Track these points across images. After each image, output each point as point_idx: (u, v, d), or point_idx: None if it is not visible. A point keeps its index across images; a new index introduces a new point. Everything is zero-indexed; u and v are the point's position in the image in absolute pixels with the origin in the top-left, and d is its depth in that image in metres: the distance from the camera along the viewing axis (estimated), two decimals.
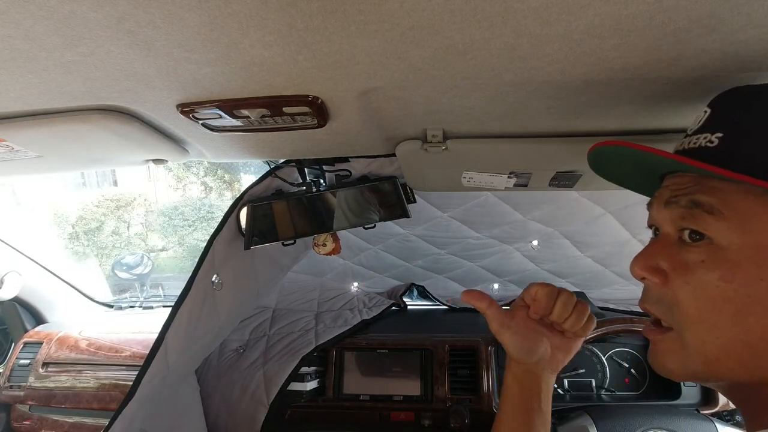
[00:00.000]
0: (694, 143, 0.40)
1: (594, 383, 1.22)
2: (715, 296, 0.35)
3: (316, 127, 0.60)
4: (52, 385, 1.31)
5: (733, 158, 0.36)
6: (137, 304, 1.69)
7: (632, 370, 1.22)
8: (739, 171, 0.34)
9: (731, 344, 0.35)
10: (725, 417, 0.90)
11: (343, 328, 1.28)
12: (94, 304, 1.68)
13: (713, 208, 0.35)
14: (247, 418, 1.16)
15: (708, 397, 1.11)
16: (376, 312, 1.37)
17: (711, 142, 0.38)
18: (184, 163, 4.25)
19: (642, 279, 0.42)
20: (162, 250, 4.70)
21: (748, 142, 0.36)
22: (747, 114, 0.37)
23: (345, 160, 0.93)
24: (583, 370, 1.23)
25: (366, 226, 0.98)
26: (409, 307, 1.50)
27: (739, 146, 0.36)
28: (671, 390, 1.15)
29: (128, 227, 4.71)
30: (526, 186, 0.84)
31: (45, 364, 1.34)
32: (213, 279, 0.95)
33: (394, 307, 1.44)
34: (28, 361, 1.37)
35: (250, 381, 1.20)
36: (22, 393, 1.33)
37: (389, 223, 1.13)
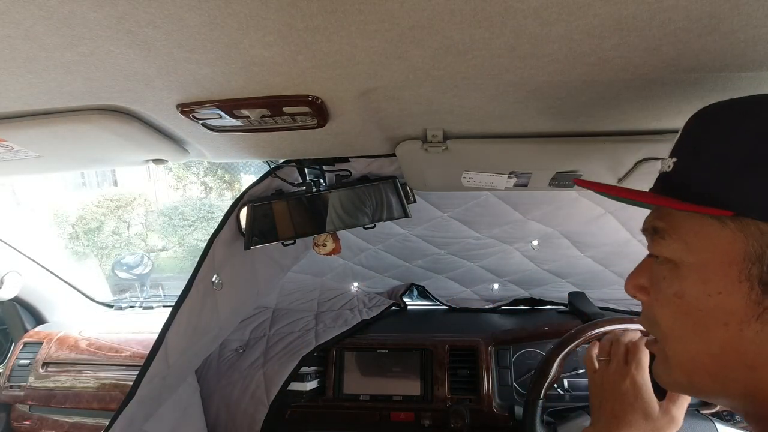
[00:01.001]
0: (662, 167, 0.41)
1: None
2: (675, 311, 0.37)
3: (316, 127, 0.60)
4: (52, 385, 1.31)
5: (677, 184, 0.38)
6: (137, 304, 1.69)
7: None
8: (682, 196, 0.36)
9: (699, 356, 0.37)
10: (725, 417, 0.90)
11: (343, 328, 1.28)
12: (94, 304, 1.68)
13: (665, 232, 0.38)
14: (247, 418, 1.16)
15: None
16: (376, 312, 1.37)
17: (669, 167, 0.39)
18: (184, 163, 4.26)
19: (633, 296, 0.45)
20: (162, 250, 4.70)
21: (692, 165, 0.37)
22: (698, 137, 0.38)
23: (345, 160, 0.93)
24: (583, 370, 1.23)
25: (366, 226, 0.98)
26: (409, 307, 1.50)
27: (684, 171, 0.38)
28: None
29: (128, 227, 4.72)
30: (526, 186, 0.84)
31: (45, 364, 1.34)
32: (213, 279, 0.95)
33: (394, 307, 1.45)
34: (28, 361, 1.37)
35: (250, 381, 1.20)
36: (22, 393, 1.33)
37: (389, 223, 1.13)
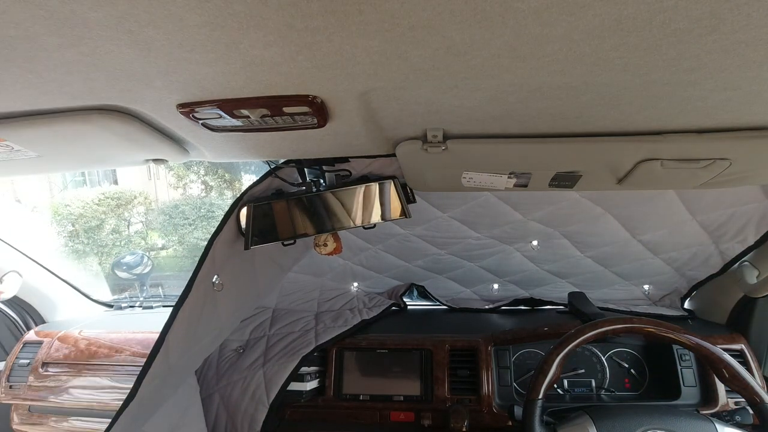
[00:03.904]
0: None
1: (594, 383, 1.22)
2: None
3: (316, 127, 0.60)
4: (52, 384, 1.31)
5: None
6: (137, 303, 1.69)
7: (632, 370, 1.22)
8: None
9: None
10: (725, 417, 0.90)
11: (343, 328, 1.28)
12: (94, 303, 1.68)
13: None
14: (247, 418, 1.16)
15: (708, 397, 1.11)
16: (376, 312, 1.37)
17: None
18: (184, 163, 4.25)
19: None
20: (162, 248, 4.71)
21: None
22: None
23: (345, 160, 0.93)
24: (583, 370, 1.23)
25: (366, 226, 0.98)
26: (409, 307, 1.50)
27: None
28: (671, 390, 1.15)
29: (128, 226, 4.72)
30: (526, 186, 0.83)
31: (45, 364, 1.34)
32: (213, 280, 0.95)
33: (394, 308, 1.44)
34: (28, 361, 1.37)
35: (250, 381, 1.20)
36: (21, 393, 1.33)
37: (389, 223, 1.13)
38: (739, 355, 1.15)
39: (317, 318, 1.38)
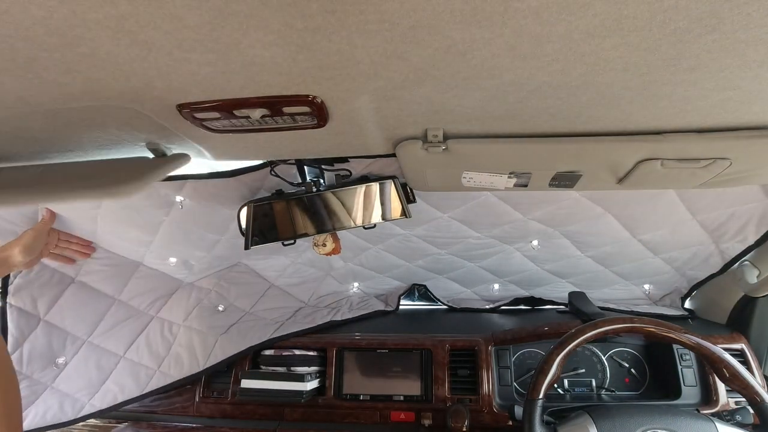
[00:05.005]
0: None
1: (594, 383, 1.22)
2: None
3: (316, 127, 0.60)
4: None
5: None
6: None
7: (632, 370, 1.22)
8: None
9: None
10: (725, 417, 0.90)
11: (306, 325, 1.31)
12: None
13: None
14: (179, 363, 1.22)
15: (708, 397, 1.11)
16: (353, 315, 1.38)
17: None
18: None
19: None
20: None
21: None
22: None
23: (345, 160, 0.93)
24: (583, 370, 1.23)
25: (366, 227, 0.98)
26: (408, 307, 1.50)
27: None
28: (671, 390, 1.14)
29: None
30: (526, 186, 0.84)
31: None
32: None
33: (384, 309, 1.45)
34: None
35: (204, 338, 1.26)
36: None
37: (389, 223, 1.13)
38: (740, 355, 1.15)
39: (297, 312, 1.40)
